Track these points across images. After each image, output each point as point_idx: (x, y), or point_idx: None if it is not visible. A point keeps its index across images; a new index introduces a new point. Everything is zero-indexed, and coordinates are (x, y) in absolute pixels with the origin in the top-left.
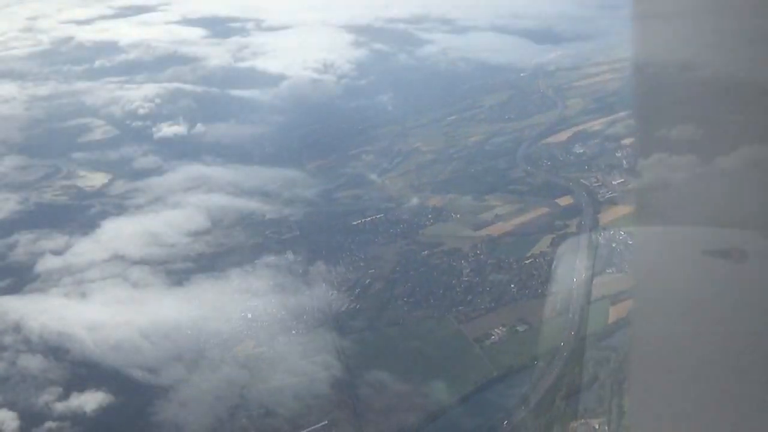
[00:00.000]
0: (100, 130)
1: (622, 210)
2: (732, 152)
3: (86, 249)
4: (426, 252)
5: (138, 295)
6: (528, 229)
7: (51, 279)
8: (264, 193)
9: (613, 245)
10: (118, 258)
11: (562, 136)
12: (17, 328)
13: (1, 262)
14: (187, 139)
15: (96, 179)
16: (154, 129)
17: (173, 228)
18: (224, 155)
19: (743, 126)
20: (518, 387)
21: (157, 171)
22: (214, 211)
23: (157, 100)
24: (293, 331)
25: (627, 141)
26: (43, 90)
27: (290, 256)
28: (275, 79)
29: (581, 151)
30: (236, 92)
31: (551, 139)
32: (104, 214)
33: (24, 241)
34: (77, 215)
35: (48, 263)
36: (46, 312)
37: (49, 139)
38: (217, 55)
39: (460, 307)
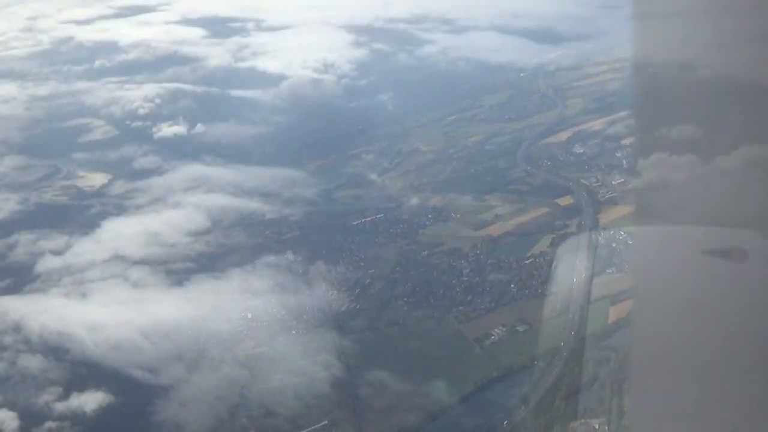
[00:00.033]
0: (100, 130)
1: (622, 210)
2: (732, 152)
3: (86, 249)
4: (426, 252)
5: (138, 295)
6: (528, 229)
7: (51, 279)
8: (264, 193)
9: (613, 245)
10: (118, 258)
11: (562, 136)
12: (17, 328)
13: (1, 262)
14: (187, 139)
15: (96, 179)
16: (154, 129)
17: (173, 228)
18: (224, 155)
19: (743, 126)
20: (518, 387)
21: (157, 171)
22: (214, 211)
23: (157, 100)
24: (293, 331)
25: (627, 141)
26: (43, 90)
27: (290, 256)
28: (275, 79)
29: (581, 151)
30: (236, 92)
31: (551, 139)
32: (104, 214)
33: (24, 241)
34: (77, 215)
35: (48, 263)
36: (46, 312)
37: (49, 139)
38: (217, 55)
39: (460, 307)
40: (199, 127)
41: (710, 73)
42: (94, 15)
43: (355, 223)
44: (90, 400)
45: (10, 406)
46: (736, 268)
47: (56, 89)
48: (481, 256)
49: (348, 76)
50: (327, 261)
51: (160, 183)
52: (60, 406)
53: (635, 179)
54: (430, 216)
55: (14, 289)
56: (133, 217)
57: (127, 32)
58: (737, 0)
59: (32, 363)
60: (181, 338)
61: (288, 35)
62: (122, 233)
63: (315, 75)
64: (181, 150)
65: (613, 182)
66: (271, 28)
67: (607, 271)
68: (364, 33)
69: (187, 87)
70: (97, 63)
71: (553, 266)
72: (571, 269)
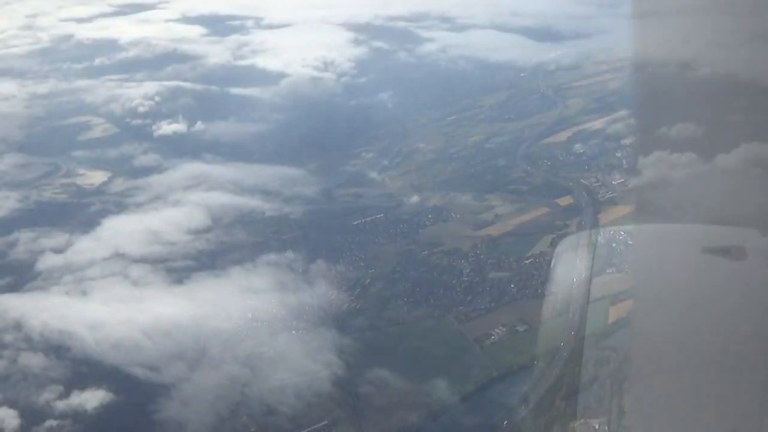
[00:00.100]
0: (100, 128)
1: (622, 210)
2: (732, 150)
3: (87, 247)
4: (426, 252)
5: (139, 293)
6: (528, 229)
7: (52, 277)
8: (264, 191)
9: (613, 245)
10: (118, 256)
11: (562, 136)
12: (18, 326)
13: (1, 261)
14: (187, 137)
15: (96, 177)
16: (153, 127)
17: (173, 226)
18: (224, 153)
19: (743, 124)
20: (518, 387)
21: (157, 169)
22: (214, 209)
23: (157, 98)
24: (293, 330)
25: (627, 140)
26: (43, 88)
27: (290, 254)
28: (275, 77)
29: (581, 150)
30: (236, 90)
31: (551, 139)
32: (104, 212)
33: (24, 239)
34: (77, 213)
35: (48, 261)
36: (47, 310)
37: (48, 137)
38: (216, 53)
39: (460, 307)
40: (199, 125)
41: (710, 71)
42: (94, 13)
43: (355, 223)
44: (91, 399)
45: (11, 404)
46: (735, 267)
47: (56, 87)
48: (481, 256)
49: (348, 74)
50: (327, 260)
51: (160, 181)
52: (61, 405)
53: (635, 177)
54: (430, 216)
55: (15, 287)
56: (134, 215)
57: (126, 30)
58: None
59: (33, 361)
60: (182, 336)
61: (288, 33)
62: (122, 231)
63: (315, 73)
64: (181, 148)
65: (613, 182)
66: (271, 26)
67: (607, 270)
68: (364, 31)
69: (187, 85)
70: (97, 61)
71: (552, 266)
72: (571, 269)
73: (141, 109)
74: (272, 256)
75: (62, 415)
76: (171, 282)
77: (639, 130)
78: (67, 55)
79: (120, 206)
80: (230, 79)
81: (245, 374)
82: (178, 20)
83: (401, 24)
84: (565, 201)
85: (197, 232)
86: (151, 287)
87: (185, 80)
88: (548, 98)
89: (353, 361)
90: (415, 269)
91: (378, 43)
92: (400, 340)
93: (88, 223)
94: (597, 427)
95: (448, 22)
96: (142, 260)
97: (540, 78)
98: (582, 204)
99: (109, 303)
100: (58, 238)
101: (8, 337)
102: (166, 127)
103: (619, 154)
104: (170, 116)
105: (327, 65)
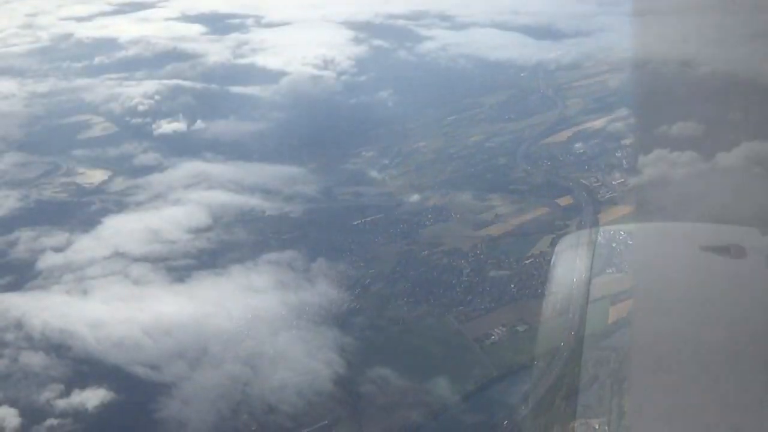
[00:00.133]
0: (100, 127)
1: (622, 209)
2: (733, 149)
3: (87, 246)
4: (426, 251)
5: (139, 292)
6: (528, 229)
7: (52, 276)
8: (264, 190)
9: (613, 245)
10: (119, 255)
11: (562, 136)
12: (19, 325)
13: (1, 260)
14: (187, 136)
15: (96, 176)
16: (153, 126)
17: (174, 225)
18: (224, 152)
19: (744, 123)
20: (518, 386)
21: (158, 168)
22: (214, 207)
23: (157, 97)
24: (294, 329)
25: (627, 140)
26: (43, 87)
27: (291, 253)
28: (275, 76)
29: (581, 150)
30: (236, 89)
31: (551, 139)
32: (104, 211)
33: (25, 238)
34: (77, 212)
35: (49, 260)
36: (47, 309)
37: (48, 136)
38: (216, 51)
39: (460, 307)
40: (199, 124)
41: (711, 70)
42: (94, 12)
43: (355, 222)
44: (92, 397)
45: (12, 403)
46: (735, 266)
47: (56, 86)
48: (481, 256)
49: (348, 72)
50: (328, 258)
51: (160, 180)
52: (61, 403)
53: (635, 176)
54: (430, 215)
55: (15, 286)
56: (134, 214)
57: (126, 29)
58: None
59: (34, 360)
60: (183, 335)
61: (287, 32)
62: (123, 230)
63: (315, 71)
64: (181, 146)
65: (613, 182)
66: (271, 25)
67: (607, 270)
68: (364, 29)
69: (187, 84)
70: (97, 60)
71: (552, 266)
72: (570, 269)
73: (141, 107)
74: (273, 255)
75: (63, 414)
76: (171, 281)
77: (639, 129)
78: (67, 54)
79: (120, 205)
80: (230, 78)
81: (246, 373)
82: (177, 19)
83: (401, 22)
84: (565, 201)
85: (198, 231)
86: (152, 286)
87: (185, 79)
88: (548, 98)
89: (354, 360)
90: (415, 269)
91: (378, 42)
92: (400, 340)
93: (88, 222)
94: (597, 427)
95: (448, 20)
96: (142, 259)
97: (540, 77)
98: (582, 204)
99: (110, 302)
100: (59, 237)
101: (9, 336)
102: (166, 126)
103: (619, 154)
104: (170, 115)
105: (327, 64)
